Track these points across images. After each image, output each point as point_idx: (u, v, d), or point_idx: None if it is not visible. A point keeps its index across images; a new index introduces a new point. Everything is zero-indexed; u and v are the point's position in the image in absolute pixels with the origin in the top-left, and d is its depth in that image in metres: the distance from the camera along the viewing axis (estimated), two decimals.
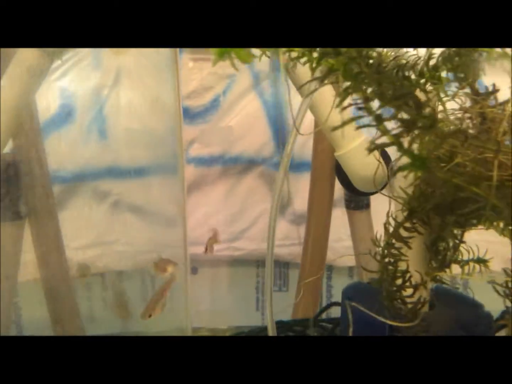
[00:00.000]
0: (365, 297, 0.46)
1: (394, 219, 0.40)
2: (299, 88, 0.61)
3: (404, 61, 0.32)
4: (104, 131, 1.03)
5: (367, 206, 0.72)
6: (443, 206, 0.36)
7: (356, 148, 0.60)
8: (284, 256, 1.15)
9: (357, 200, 0.71)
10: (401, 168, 0.27)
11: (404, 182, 0.40)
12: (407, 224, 0.39)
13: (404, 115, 0.28)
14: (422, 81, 0.31)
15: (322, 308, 0.67)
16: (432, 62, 0.32)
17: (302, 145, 1.10)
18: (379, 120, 0.26)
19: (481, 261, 0.42)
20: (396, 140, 0.26)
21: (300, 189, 1.11)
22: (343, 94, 0.28)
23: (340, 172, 0.65)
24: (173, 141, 1.04)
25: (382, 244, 0.41)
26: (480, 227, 0.36)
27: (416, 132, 0.28)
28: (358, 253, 0.65)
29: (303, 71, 0.59)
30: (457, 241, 0.40)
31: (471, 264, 0.43)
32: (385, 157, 0.62)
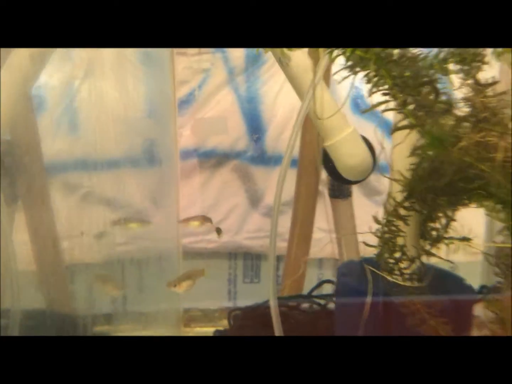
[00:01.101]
0: (357, 272, 0.50)
1: (394, 199, 0.44)
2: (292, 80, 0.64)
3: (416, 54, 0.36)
4: (75, 123, 1.02)
5: (350, 194, 0.76)
6: (440, 187, 0.40)
7: (345, 138, 0.64)
8: (256, 248, 1.17)
9: (341, 188, 0.75)
10: (419, 148, 0.31)
11: (403, 165, 0.44)
12: (406, 204, 0.43)
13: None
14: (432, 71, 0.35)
15: (315, 285, 0.71)
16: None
17: (275, 139, 1.13)
18: (404, 104, 0.30)
19: (465, 239, 0.47)
20: (418, 122, 0.30)
21: (273, 183, 1.14)
22: (375, 82, 0.31)
23: (327, 162, 0.68)
24: (146, 133, 1.04)
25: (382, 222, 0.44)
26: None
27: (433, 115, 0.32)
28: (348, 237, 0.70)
29: (297, 64, 0.63)
30: (449, 219, 0.44)
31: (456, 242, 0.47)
32: (370, 147, 0.66)
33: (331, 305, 0.62)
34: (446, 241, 0.46)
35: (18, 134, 0.66)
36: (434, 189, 0.40)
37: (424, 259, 0.46)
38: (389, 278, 0.44)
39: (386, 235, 0.44)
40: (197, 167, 1.13)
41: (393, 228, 0.43)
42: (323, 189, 0.93)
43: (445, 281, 0.49)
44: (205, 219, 0.83)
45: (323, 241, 1.11)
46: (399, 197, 0.44)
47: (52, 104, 0.99)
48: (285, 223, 0.96)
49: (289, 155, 0.52)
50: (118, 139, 0.98)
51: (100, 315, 0.76)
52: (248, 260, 1.20)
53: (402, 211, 0.44)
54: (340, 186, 0.75)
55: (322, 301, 0.66)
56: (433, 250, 0.45)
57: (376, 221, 0.45)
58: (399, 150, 0.46)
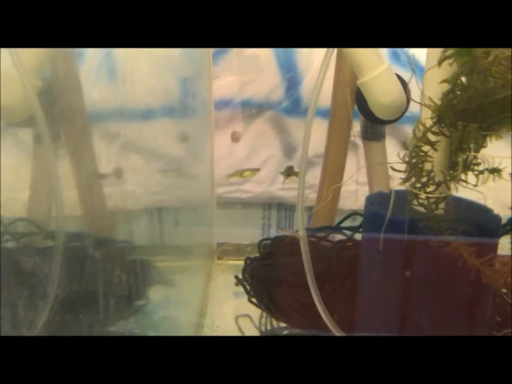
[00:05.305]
0: (385, 202, 0.51)
1: (423, 125, 0.44)
2: None
3: None
4: (114, 72, 1.03)
5: (383, 136, 0.76)
6: (469, 112, 0.40)
7: (379, 75, 0.63)
8: (290, 199, 1.18)
9: (374, 131, 0.75)
10: (448, 56, 0.31)
11: (434, 92, 0.44)
12: (435, 129, 0.43)
13: None
14: None
15: (344, 216, 0.73)
16: None
17: (311, 89, 1.12)
18: None
19: (495, 171, 0.47)
20: None
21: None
22: None
23: (360, 101, 0.68)
24: (182, 85, 1.05)
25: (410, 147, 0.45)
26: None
27: None
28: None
29: None
30: (478, 146, 0.44)
31: (486, 173, 0.47)
32: (402, 82, 0.65)
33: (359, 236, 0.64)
34: (475, 171, 0.46)
35: (58, 72, 0.67)
36: (464, 114, 0.40)
37: (452, 186, 0.46)
38: (415, 205, 0.45)
39: (413, 160, 0.44)
40: (233, 117, 1.14)
41: (421, 153, 0.44)
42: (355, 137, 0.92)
43: (472, 211, 0.49)
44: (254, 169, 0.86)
45: (357, 193, 1.11)
46: (429, 123, 0.44)
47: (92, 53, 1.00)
48: (318, 174, 0.96)
49: (316, 98, 0.52)
50: (154, 88, 0.99)
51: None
52: (282, 210, 1.21)
53: (431, 137, 0.44)
54: (374, 128, 0.74)
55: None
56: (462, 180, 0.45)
57: (404, 146, 0.45)
58: (430, 75, 0.45)
